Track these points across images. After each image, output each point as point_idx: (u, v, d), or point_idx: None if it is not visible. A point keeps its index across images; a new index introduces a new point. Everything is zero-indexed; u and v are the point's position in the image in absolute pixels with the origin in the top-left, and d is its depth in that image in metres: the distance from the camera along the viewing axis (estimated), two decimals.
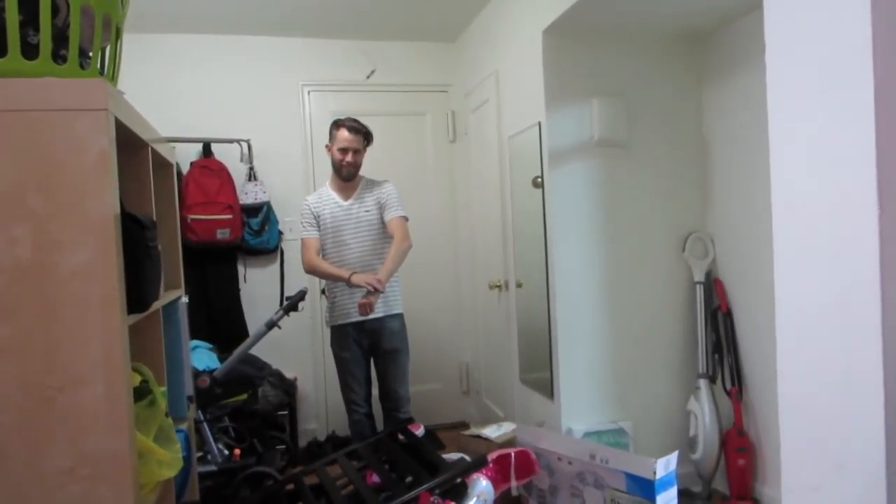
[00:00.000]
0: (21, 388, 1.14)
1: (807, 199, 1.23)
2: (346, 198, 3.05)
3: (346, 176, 3.02)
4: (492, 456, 2.53)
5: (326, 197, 3.07)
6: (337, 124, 3.01)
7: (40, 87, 1.17)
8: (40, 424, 1.15)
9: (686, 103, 3.00)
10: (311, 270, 3.05)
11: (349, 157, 2.97)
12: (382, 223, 3.01)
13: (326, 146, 3.07)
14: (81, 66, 1.28)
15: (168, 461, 1.42)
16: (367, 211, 3.01)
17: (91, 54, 1.34)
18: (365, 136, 3.02)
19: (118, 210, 1.23)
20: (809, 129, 1.22)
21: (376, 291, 2.80)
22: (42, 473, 1.15)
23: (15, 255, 1.14)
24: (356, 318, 2.96)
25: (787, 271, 1.29)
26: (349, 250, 2.99)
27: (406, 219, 3.01)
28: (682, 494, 2.80)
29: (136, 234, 1.31)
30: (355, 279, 2.82)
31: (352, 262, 2.97)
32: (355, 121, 3.01)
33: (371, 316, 2.96)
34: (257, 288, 3.82)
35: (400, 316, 3.07)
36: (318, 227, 3.03)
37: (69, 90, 1.18)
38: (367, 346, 3.05)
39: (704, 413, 2.85)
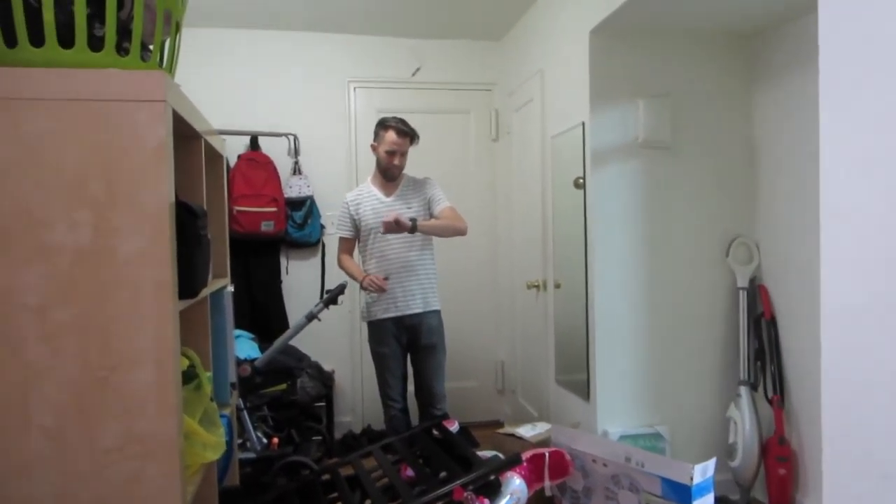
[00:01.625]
0: (78, 367, 1.19)
1: (856, 206, 1.21)
2: (389, 194, 3.07)
3: (392, 177, 3.05)
4: (526, 455, 2.54)
5: (367, 193, 3.09)
6: (384, 125, 3.00)
7: (104, 78, 1.22)
8: (94, 403, 1.20)
9: (734, 105, 2.94)
10: (340, 267, 3.17)
11: (396, 161, 2.99)
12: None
13: (372, 145, 3.07)
14: (142, 59, 1.33)
15: (212, 444, 1.46)
16: (409, 208, 3.03)
17: (151, 48, 1.40)
18: (412, 138, 3.03)
19: (173, 199, 1.28)
20: (861, 135, 1.20)
21: (400, 225, 2.80)
22: (95, 450, 1.20)
23: (76, 240, 1.19)
24: (394, 313, 3.00)
25: (835, 279, 1.26)
26: (389, 247, 3.01)
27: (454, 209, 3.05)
28: (720, 502, 2.76)
29: (188, 223, 1.36)
30: (385, 217, 2.84)
31: (392, 258, 2.99)
32: (403, 122, 3.01)
33: (410, 311, 3.00)
34: (298, 280, 3.89)
35: (438, 312, 3.09)
36: (357, 225, 3.08)
37: (130, 81, 1.23)
38: (405, 342, 3.08)
39: (745, 420, 2.80)
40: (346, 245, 3.13)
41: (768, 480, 2.78)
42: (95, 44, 1.26)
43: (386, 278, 2.96)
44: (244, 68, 3.83)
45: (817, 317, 1.29)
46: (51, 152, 1.19)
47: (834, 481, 1.25)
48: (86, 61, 1.24)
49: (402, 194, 3.07)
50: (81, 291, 1.20)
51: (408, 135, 2.99)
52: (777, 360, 2.83)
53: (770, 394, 2.84)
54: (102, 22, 1.26)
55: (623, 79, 2.82)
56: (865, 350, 1.18)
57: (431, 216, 3.05)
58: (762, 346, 2.88)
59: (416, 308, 3.01)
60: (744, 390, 2.85)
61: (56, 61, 1.22)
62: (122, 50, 1.31)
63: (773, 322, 2.86)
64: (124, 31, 1.31)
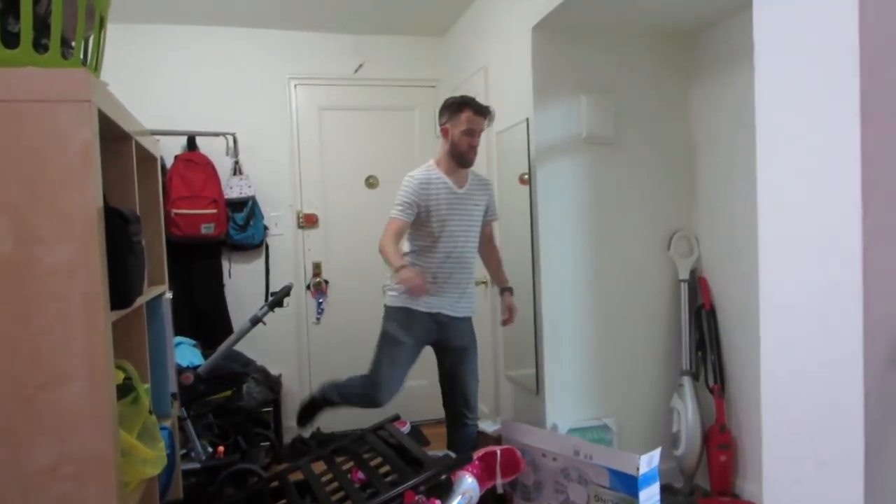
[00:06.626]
0: (2, 385, 1.12)
1: (792, 200, 1.24)
2: (460, 185, 2.75)
3: (469, 163, 2.73)
4: (478, 453, 2.54)
5: (437, 179, 2.71)
6: (459, 105, 2.68)
7: (21, 77, 1.15)
8: (22, 423, 1.13)
9: (673, 101, 3.01)
10: (382, 250, 2.63)
11: (476, 142, 2.69)
12: (481, 220, 2.85)
13: (443, 128, 2.72)
14: (63, 56, 1.26)
15: (152, 459, 1.40)
16: (476, 205, 2.79)
17: (74, 44, 1.32)
18: (489, 117, 2.73)
19: (101, 204, 1.21)
20: (796, 131, 1.23)
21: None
22: (24, 473, 1.14)
23: None
24: (439, 309, 2.73)
25: (772, 271, 1.30)
26: (454, 241, 2.72)
27: None
28: (665, 490, 2.83)
29: (119, 229, 1.30)
30: (507, 299, 2.85)
31: (455, 254, 2.72)
32: (479, 101, 2.74)
33: (457, 314, 2.77)
34: (242, 283, 3.79)
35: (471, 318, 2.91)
36: (419, 210, 2.66)
37: (51, 80, 1.16)
38: (433, 341, 2.81)
39: (687, 410, 2.88)
40: (399, 228, 2.63)
41: (710, 467, 2.87)
42: (10, 40, 1.18)
43: (431, 281, 2.65)
44: (180, 66, 3.70)
45: (754, 307, 1.33)
46: None
47: (773, 467, 1.29)
48: (0, 59, 1.16)
49: (471, 188, 2.78)
50: (3, 305, 1.13)
51: (484, 113, 2.69)
52: (717, 350, 2.92)
53: (711, 383, 2.93)
54: (17, 17, 1.18)
55: (566, 75, 2.85)
56: (800, 341, 1.22)
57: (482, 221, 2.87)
58: (703, 337, 2.96)
59: (464, 313, 2.80)
60: (686, 380, 2.93)
61: None
62: (40, 47, 1.23)
63: (712, 313, 2.94)
64: (42, 27, 1.23)
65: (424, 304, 2.71)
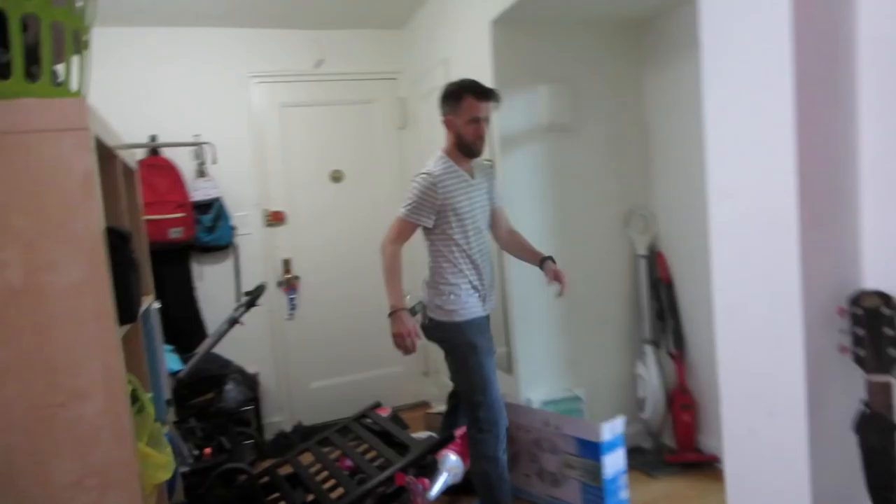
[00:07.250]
0: (24, 407, 1.17)
1: (736, 184, 1.39)
2: (472, 174, 2.55)
3: (479, 151, 2.49)
4: (459, 431, 2.67)
5: (454, 172, 2.47)
6: (459, 93, 2.42)
7: (19, 109, 1.17)
8: (46, 442, 1.18)
9: (628, 88, 3.16)
10: (390, 266, 2.49)
11: (483, 130, 2.45)
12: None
13: (447, 119, 2.48)
14: (53, 83, 1.30)
15: (164, 464, 1.47)
16: (485, 192, 2.60)
17: (58, 67, 1.36)
18: (495, 98, 2.48)
19: (104, 226, 1.27)
20: (739, 121, 1.37)
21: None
22: (51, 488, 1.19)
23: (6, 279, 1.15)
24: (486, 311, 2.57)
25: (722, 247, 1.45)
26: (481, 235, 2.54)
27: None
28: (634, 451, 3.03)
29: (120, 248, 1.35)
30: (549, 267, 2.55)
31: (484, 248, 2.55)
32: (477, 83, 2.45)
33: (491, 311, 2.63)
34: (212, 285, 3.80)
35: None
36: (436, 211, 2.44)
37: (50, 110, 1.19)
38: None
39: (651, 375, 3.07)
40: (405, 230, 2.46)
41: (675, 427, 3.07)
42: (2, 71, 1.22)
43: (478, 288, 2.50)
44: (137, 68, 3.62)
45: (708, 278, 1.49)
46: None
47: (730, 419, 1.46)
48: None
49: (479, 176, 2.57)
50: (19, 330, 1.17)
51: (489, 97, 2.44)
52: (675, 319, 3.12)
53: (671, 349, 3.12)
54: (6, 47, 1.21)
55: (525, 67, 2.95)
56: (748, 309, 1.38)
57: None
58: (662, 307, 3.15)
59: (491, 309, 2.64)
60: (648, 348, 3.12)
61: None
62: (29, 75, 1.27)
63: (670, 285, 3.13)
64: (30, 56, 1.27)
65: (481, 310, 2.52)
